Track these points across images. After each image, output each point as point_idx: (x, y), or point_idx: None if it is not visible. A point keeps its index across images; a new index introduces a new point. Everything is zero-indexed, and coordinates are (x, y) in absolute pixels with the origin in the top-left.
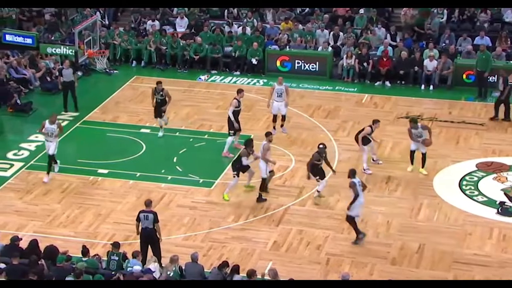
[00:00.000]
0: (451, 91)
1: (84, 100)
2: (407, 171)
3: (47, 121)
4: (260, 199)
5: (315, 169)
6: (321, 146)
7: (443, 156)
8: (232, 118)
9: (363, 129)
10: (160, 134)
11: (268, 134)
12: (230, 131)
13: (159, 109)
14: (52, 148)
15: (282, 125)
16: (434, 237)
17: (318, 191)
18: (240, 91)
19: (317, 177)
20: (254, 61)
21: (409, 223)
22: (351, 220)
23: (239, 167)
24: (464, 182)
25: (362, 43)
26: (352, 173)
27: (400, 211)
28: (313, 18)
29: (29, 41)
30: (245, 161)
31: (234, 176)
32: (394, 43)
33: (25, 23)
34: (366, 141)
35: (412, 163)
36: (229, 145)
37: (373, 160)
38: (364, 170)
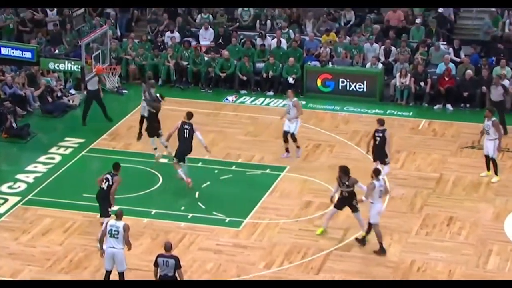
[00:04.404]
0: None
1: (90, 124)
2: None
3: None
4: (382, 250)
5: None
6: None
7: None
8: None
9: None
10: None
11: (378, 173)
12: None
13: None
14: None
15: (298, 147)
16: None
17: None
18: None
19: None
20: (290, 79)
21: (475, 273)
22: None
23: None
24: None
25: (419, 59)
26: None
27: (465, 258)
28: (361, 30)
29: (28, 55)
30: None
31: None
32: (457, 60)
33: (26, 35)
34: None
35: (488, 168)
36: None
37: None
38: None
